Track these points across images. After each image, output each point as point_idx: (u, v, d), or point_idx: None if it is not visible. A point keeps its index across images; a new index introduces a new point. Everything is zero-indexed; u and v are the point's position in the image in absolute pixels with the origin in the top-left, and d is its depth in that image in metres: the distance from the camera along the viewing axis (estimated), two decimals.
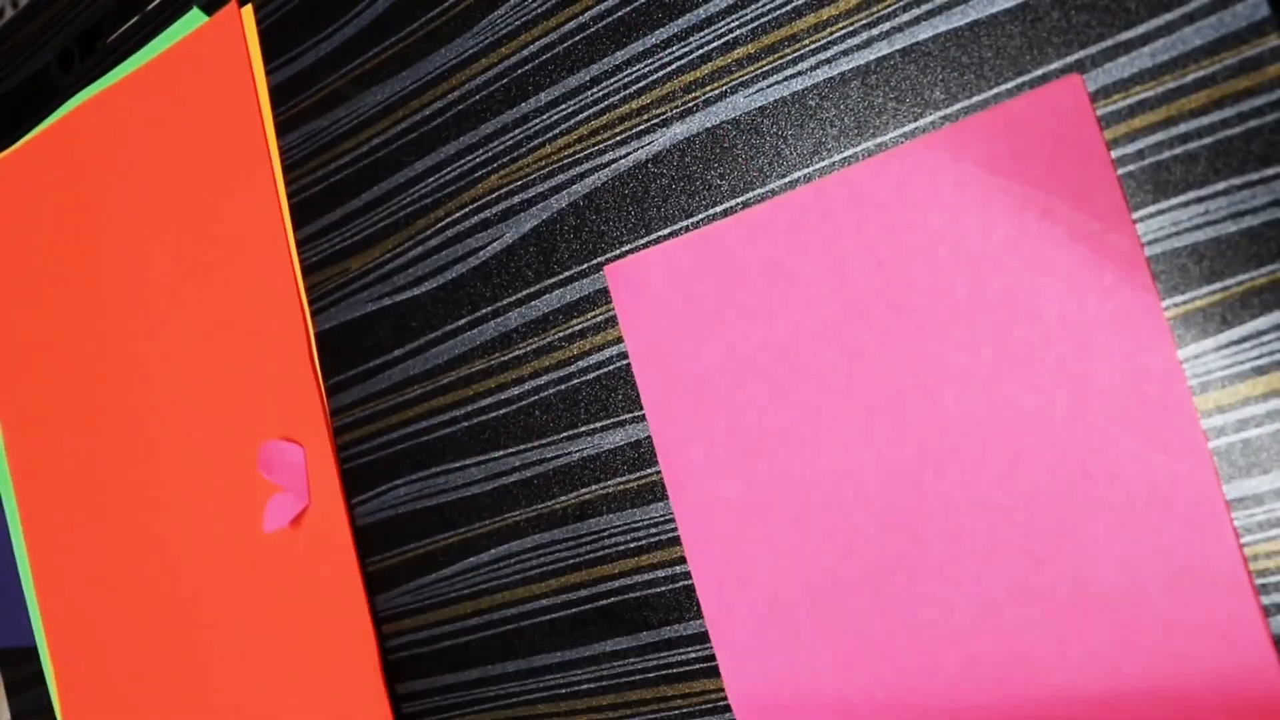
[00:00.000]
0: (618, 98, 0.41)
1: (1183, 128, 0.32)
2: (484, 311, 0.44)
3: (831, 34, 0.36)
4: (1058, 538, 0.33)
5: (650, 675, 0.41)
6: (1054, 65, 0.33)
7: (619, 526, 0.42)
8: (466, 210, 0.45)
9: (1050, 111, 0.33)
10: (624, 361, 0.41)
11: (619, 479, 0.41)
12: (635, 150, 0.41)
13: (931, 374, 0.35)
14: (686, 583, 0.40)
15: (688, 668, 0.40)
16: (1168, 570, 0.32)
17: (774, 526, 0.38)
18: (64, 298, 0.58)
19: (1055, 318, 0.33)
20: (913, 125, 0.35)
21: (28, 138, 0.60)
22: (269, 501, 0.49)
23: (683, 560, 0.40)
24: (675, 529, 0.40)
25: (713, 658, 0.39)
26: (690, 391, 0.39)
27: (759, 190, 0.38)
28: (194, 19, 0.53)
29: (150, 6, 0.56)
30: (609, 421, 0.42)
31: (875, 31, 0.36)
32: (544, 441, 0.43)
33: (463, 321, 0.45)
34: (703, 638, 0.40)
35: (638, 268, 0.40)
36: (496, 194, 0.44)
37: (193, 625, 0.54)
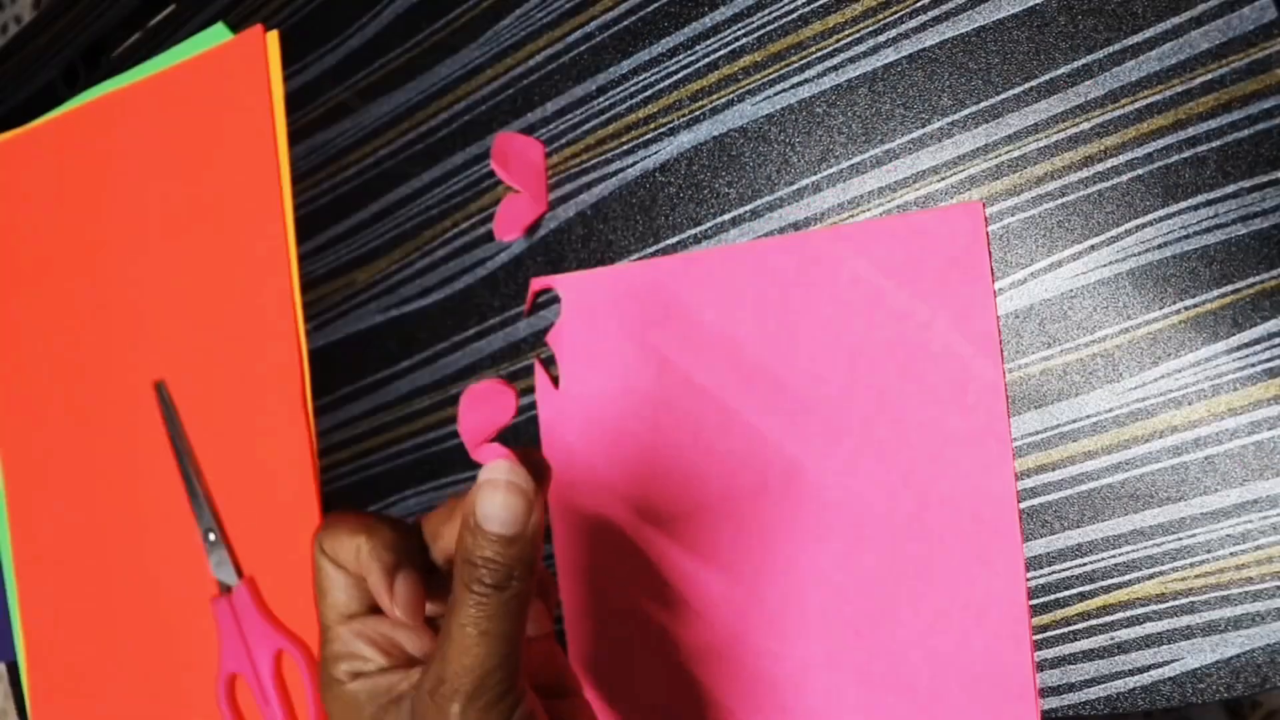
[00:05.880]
0: (624, 107, 0.41)
1: (1191, 131, 0.32)
2: (492, 322, 0.44)
3: (838, 41, 0.37)
4: (881, 618, 0.36)
5: None
6: (1061, 70, 0.33)
7: None
8: (474, 221, 0.45)
9: (949, 231, 0.35)
10: None
11: None
12: (642, 159, 0.41)
13: (796, 450, 0.37)
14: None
15: None
16: (968, 674, 0.34)
17: (631, 560, 0.40)
18: (59, 292, 0.58)
19: (914, 425, 0.35)
20: (920, 131, 0.35)
21: (41, 119, 0.60)
22: (500, 206, 0.43)
23: None
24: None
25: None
26: (582, 416, 0.41)
27: (767, 197, 0.38)
28: (217, 34, 0.53)
29: (153, 23, 0.57)
30: None
31: (882, 38, 0.36)
32: None
33: (471, 332, 0.45)
34: None
35: (570, 286, 0.42)
36: None
37: (179, 654, 0.54)
